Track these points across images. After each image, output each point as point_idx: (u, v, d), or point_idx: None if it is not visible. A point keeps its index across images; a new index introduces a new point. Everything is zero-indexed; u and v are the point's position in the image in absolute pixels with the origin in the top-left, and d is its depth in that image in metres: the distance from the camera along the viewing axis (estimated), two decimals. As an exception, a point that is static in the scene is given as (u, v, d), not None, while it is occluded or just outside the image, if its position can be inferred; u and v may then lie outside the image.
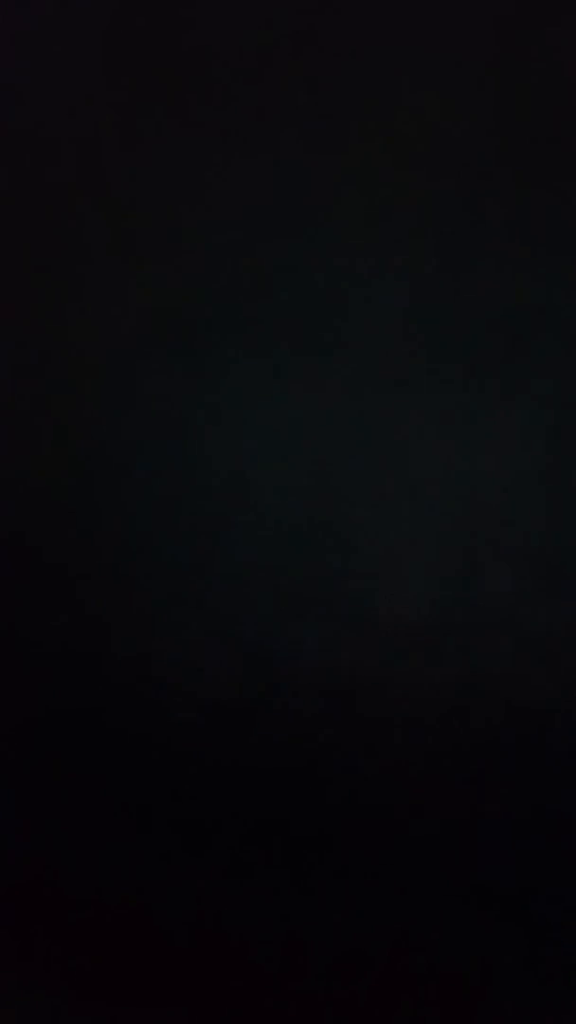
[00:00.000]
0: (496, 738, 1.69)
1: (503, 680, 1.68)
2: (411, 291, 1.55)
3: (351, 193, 1.50)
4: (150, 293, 1.57)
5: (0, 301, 1.59)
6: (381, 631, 1.71)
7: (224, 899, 1.81)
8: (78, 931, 1.84)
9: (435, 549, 1.68)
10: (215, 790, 1.80)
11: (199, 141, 1.47)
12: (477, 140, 1.46)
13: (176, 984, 1.81)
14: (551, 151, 1.44)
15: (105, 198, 1.52)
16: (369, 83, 1.44)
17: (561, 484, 1.61)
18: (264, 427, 1.63)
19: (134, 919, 1.82)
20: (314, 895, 1.77)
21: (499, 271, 1.52)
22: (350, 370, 1.58)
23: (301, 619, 1.72)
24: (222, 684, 1.75)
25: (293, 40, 1.42)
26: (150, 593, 1.74)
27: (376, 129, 1.45)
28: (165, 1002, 1.80)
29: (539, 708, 1.67)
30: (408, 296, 1.54)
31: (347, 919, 1.77)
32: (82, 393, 1.62)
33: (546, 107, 1.41)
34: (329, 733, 1.74)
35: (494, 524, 1.64)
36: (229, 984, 1.78)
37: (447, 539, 1.67)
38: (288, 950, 1.79)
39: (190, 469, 1.67)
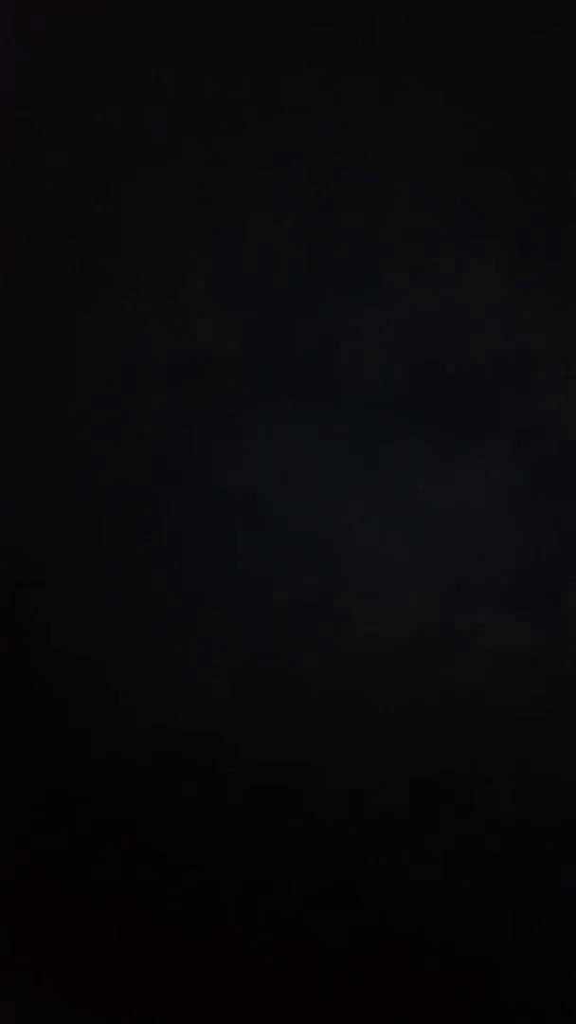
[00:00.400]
0: (470, 738, 1.80)
1: (478, 691, 1.80)
2: (402, 348, 1.69)
3: (347, 268, 1.66)
4: (177, 344, 1.73)
5: (33, 345, 1.75)
6: (371, 648, 1.82)
7: (226, 900, 1.88)
8: (79, 936, 1.90)
9: (420, 575, 1.79)
10: (219, 792, 1.88)
11: (222, 205, 1.64)
12: (474, 208, 1.61)
13: (176, 987, 1.87)
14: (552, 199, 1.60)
15: (135, 259, 1.68)
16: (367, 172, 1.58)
17: (533, 519, 1.75)
18: (271, 467, 1.77)
19: (135, 925, 1.89)
20: (312, 893, 1.86)
21: (479, 322, 1.67)
22: (349, 417, 1.73)
23: (301, 637, 1.83)
24: (229, 693, 1.86)
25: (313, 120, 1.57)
26: (166, 611, 1.85)
27: (371, 207, 1.61)
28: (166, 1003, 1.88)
29: (510, 714, 1.79)
30: (401, 353, 1.70)
31: (346, 916, 1.84)
32: (109, 431, 1.79)
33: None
34: (324, 737, 1.84)
35: (473, 554, 1.77)
36: (227, 988, 1.86)
37: (431, 567, 1.79)
38: (285, 949, 1.86)
39: (203, 502, 1.81)
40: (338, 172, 1.62)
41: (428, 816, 1.81)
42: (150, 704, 1.87)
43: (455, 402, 1.71)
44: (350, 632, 1.81)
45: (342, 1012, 1.81)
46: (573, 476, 1.73)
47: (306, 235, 1.66)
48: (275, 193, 1.63)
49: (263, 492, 1.78)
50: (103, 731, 1.89)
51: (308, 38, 1.52)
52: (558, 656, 1.76)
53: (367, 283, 1.68)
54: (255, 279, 1.68)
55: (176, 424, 1.77)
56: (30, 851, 1.92)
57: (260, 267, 1.67)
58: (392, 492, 1.76)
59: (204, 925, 1.87)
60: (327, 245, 1.66)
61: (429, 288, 1.67)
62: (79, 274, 1.71)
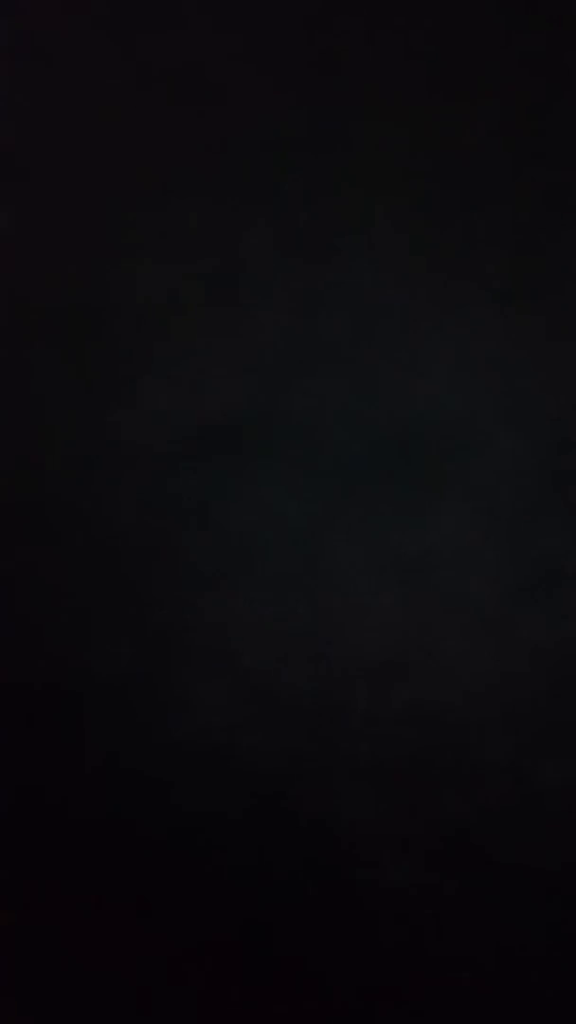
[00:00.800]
0: (438, 746, 1.84)
1: (444, 707, 1.84)
2: (379, 414, 1.73)
3: (331, 348, 1.70)
4: (183, 409, 1.77)
5: (61, 410, 1.80)
6: (352, 670, 1.87)
7: (222, 903, 1.91)
8: (79, 941, 1.90)
9: (394, 608, 1.84)
10: (215, 798, 1.91)
11: (222, 297, 1.68)
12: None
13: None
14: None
15: (148, 341, 1.73)
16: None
17: (491, 559, 1.79)
18: (265, 515, 1.81)
19: (135, 926, 1.90)
20: (303, 894, 1.90)
21: (443, 394, 1.71)
22: (333, 472, 1.78)
23: (290, 660, 1.88)
24: (225, 710, 1.89)
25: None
26: (170, 638, 1.89)
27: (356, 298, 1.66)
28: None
29: (471, 727, 1.83)
30: (378, 418, 1.73)
31: (335, 916, 1.88)
32: (123, 481, 1.83)
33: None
34: (311, 747, 1.88)
35: (439, 590, 1.82)
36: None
37: (403, 601, 1.84)
38: (281, 950, 1.88)
39: (205, 545, 1.85)
40: (324, 270, 1.64)
41: (414, 823, 1.85)
42: (155, 719, 1.90)
43: (424, 460, 1.75)
44: (334, 657, 1.86)
45: (338, 1015, 1.84)
46: (524, 522, 1.77)
47: (295, 318, 1.68)
48: (270, 283, 1.66)
49: (258, 536, 1.82)
50: (112, 743, 1.91)
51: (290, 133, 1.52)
52: (515, 677, 1.80)
53: (349, 360, 1.71)
54: (252, 356, 1.71)
55: (182, 478, 1.81)
56: (32, 855, 1.93)
57: (255, 345, 1.70)
58: (370, 537, 1.80)
59: (202, 927, 1.88)
60: (313, 328, 1.69)
61: (402, 362, 1.70)
62: (101, 354, 1.75)
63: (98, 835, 1.93)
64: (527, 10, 1.40)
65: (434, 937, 1.84)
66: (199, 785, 1.91)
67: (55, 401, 1.79)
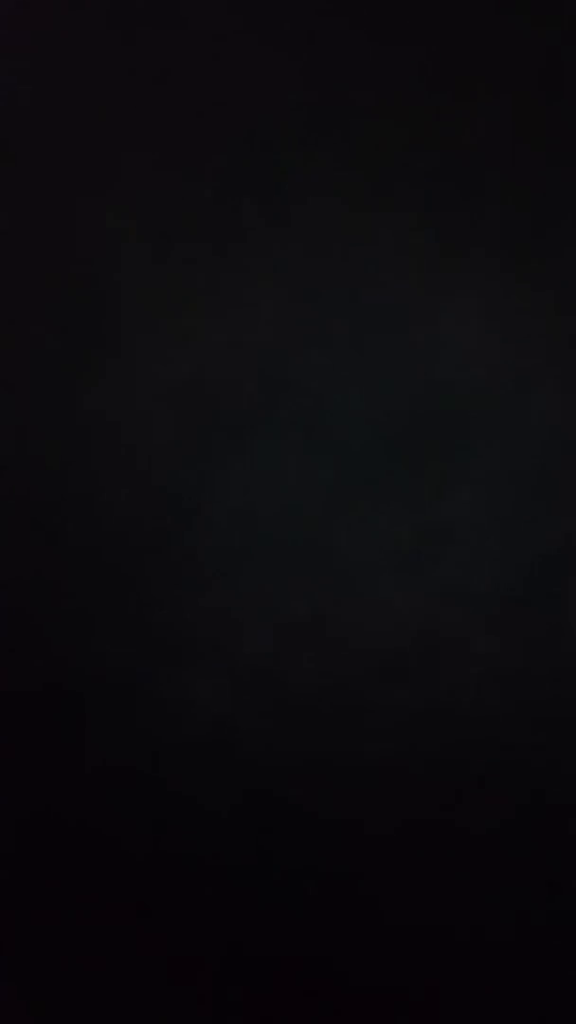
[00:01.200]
0: (457, 746, 1.86)
1: (464, 701, 1.85)
2: (391, 386, 1.73)
3: (346, 307, 1.70)
4: (184, 384, 1.77)
5: (52, 392, 1.80)
6: (363, 663, 1.87)
7: (224, 902, 1.91)
8: (80, 940, 1.92)
9: (409, 595, 1.85)
10: (219, 797, 1.93)
11: (225, 266, 1.68)
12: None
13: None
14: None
15: (146, 312, 1.72)
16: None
17: (514, 544, 1.79)
18: (271, 494, 1.82)
19: (135, 927, 1.92)
20: (309, 896, 1.91)
21: (459, 364, 1.71)
22: (342, 449, 1.78)
23: (298, 653, 1.89)
24: (230, 705, 1.90)
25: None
26: (172, 630, 1.90)
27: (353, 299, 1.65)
28: None
29: (493, 722, 1.84)
30: (390, 390, 1.73)
31: (341, 918, 1.90)
32: (119, 464, 1.84)
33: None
34: (319, 745, 1.90)
35: (458, 575, 1.82)
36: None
37: (419, 587, 1.84)
38: (284, 951, 1.89)
39: (206, 529, 1.86)
40: (326, 241, 1.64)
41: (419, 820, 1.87)
42: (155, 718, 1.91)
43: (439, 434, 1.75)
44: (344, 648, 1.86)
45: (339, 1014, 1.85)
46: (549, 501, 1.77)
47: (295, 304, 1.69)
48: (269, 276, 1.66)
49: (260, 528, 1.83)
50: (112, 743, 1.93)
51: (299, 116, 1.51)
52: (539, 668, 1.81)
53: (363, 323, 1.71)
54: (252, 344, 1.72)
55: (181, 458, 1.81)
56: (33, 855, 1.94)
57: (255, 334, 1.71)
58: (382, 519, 1.80)
59: (203, 926, 1.90)
60: (314, 314, 1.69)
61: (418, 331, 1.69)
62: (100, 351, 1.75)
63: (98, 834, 1.94)
64: (527, 10, 1.40)
65: (435, 937, 1.87)
66: (200, 784, 1.93)
67: (53, 397, 1.80)
